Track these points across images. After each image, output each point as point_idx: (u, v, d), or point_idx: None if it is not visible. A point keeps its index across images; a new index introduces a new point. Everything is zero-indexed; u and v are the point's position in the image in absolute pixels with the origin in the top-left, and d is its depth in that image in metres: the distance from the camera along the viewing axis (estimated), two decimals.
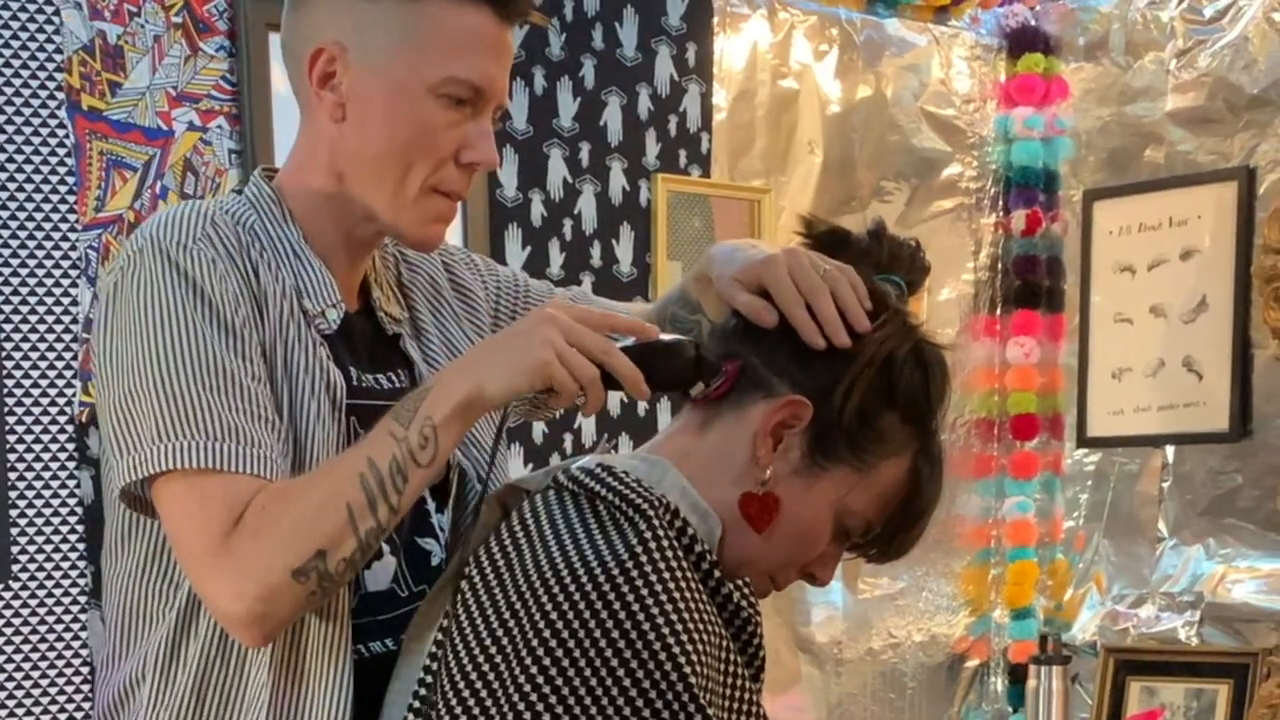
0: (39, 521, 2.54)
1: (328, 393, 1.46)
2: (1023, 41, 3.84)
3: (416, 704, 1.35)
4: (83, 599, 2.56)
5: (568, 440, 3.15)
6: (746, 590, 1.39)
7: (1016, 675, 3.80)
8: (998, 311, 3.90)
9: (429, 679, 1.33)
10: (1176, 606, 3.56)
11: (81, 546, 2.57)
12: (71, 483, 2.56)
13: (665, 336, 1.43)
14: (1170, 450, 3.60)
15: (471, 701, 1.28)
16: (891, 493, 1.41)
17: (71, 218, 2.57)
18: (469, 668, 1.29)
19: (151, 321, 1.39)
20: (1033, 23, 3.86)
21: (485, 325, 1.69)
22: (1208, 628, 3.50)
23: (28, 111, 2.53)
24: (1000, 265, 3.90)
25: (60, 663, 2.55)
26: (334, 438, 1.46)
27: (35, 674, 2.53)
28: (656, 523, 1.32)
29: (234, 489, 1.36)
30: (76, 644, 2.56)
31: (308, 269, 1.49)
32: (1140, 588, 3.64)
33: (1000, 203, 3.90)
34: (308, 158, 1.52)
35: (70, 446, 2.57)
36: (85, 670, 2.56)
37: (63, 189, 2.56)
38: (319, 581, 1.35)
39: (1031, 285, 3.83)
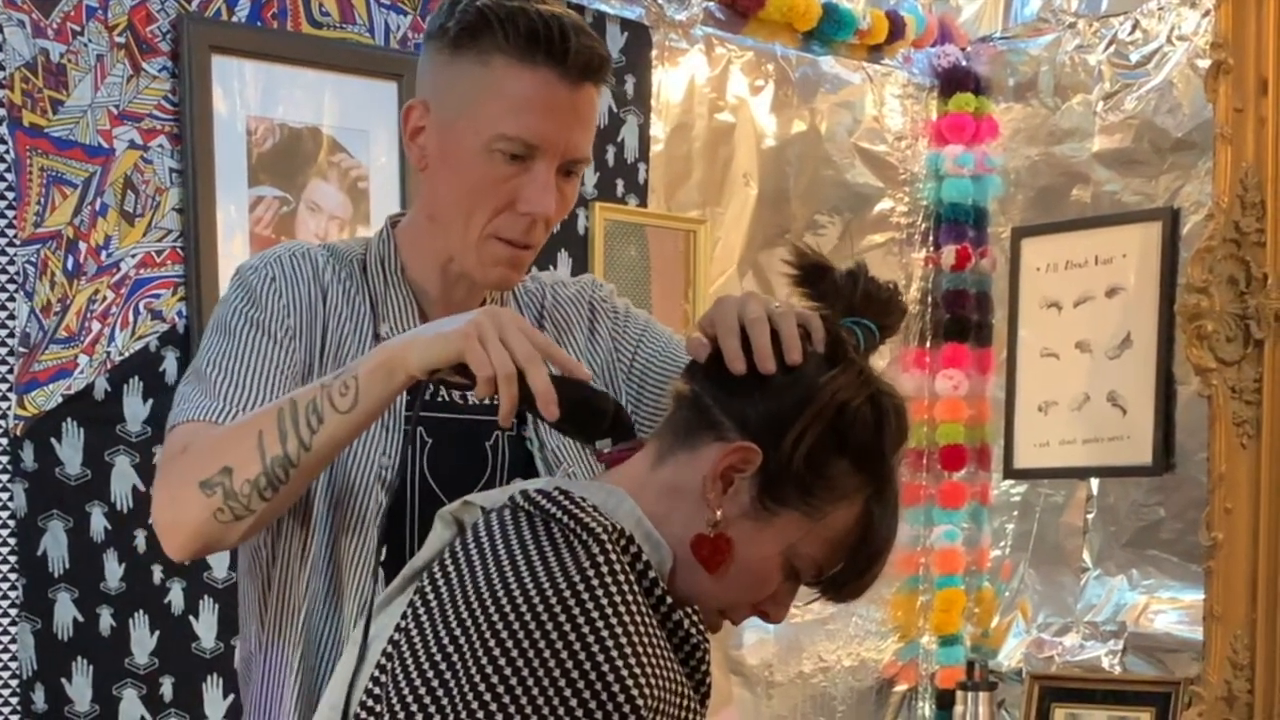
0: None
1: None
2: (954, 81, 3.91)
3: (363, 714, 1.35)
4: (13, 611, 2.54)
5: None
6: (696, 616, 1.39)
7: (944, 701, 3.84)
8: (927, 344, 3.94)
9: (377, 690, 1.34)
10: (1100, 635, 3.60)
11: (13, 559, 2.55)
12: (4, 495, 2.55)
13: (597, 386, 1.48)
14: (1095, 483, 3.65)
15: (420, 717, 1.28)
16: (842, 538, 1.41)
17: (10, 232, 2.57)
18: (417, 682, 1.29)
19: (214, 323, 1.67)
20: (964, 63, 3.92)
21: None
22: (1130, 656, 3.54)
23: None
24: (930, 299, 3.96)
25: None
26: (388, 443, 1.62)
27: None
28: (610, 546, 1.32)
29: (190, 428, 1.58)
30: (6, 656, 2.54)
31: (394, 295, 1.69)
32: (1065, 616, 3.69)
33: (931, 238, 3.96)
34: (416, 200, 1.76)
35: (4, 459, 2.56)
36: (15, 683, 2.55)
37: (1, 204, 2.56)
38: (225, 499, 1.50)
39: (960, 319, 3.88)
